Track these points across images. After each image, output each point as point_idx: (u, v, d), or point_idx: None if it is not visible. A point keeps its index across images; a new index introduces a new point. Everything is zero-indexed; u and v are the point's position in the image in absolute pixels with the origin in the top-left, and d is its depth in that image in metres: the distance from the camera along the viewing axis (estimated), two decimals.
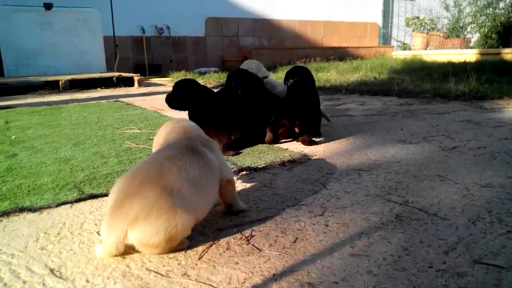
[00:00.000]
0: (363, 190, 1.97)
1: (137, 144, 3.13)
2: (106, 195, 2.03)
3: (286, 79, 3.33)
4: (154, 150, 1.74)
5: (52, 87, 8.32)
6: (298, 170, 2.36)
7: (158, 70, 12.99)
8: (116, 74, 9.16)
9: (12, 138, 3.65)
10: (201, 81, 9.14)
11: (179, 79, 3.07)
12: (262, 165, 2.47)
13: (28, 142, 3.41)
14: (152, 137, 3.35)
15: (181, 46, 14.00)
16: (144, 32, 12.95)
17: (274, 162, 2.52)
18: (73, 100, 6.50)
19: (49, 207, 1.90)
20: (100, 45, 11.15)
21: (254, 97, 3.11)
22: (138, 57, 13.30)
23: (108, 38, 12.14)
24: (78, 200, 1.97)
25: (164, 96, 6.69)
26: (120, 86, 8.97)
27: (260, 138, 3.09)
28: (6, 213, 1.82)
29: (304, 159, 2.57)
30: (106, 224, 1.32)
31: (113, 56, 12.14)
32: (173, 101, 3.13)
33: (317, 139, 3.02)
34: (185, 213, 1.35)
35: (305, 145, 2.93)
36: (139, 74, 9.17)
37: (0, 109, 5.51)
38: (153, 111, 5.02)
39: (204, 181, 1.47)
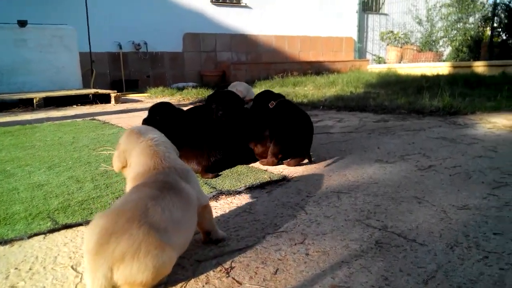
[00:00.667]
0: (343, 215, 1.97)
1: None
2: (80, 224, 1.98)
3: (264, 101, 3.27)
4: (115, 166, 1.73)
5: (26, 105, 8.15)
6: (278, 193, 2.35)
7: (135, 86, 12.89)
8: (92, 91, 9.05)
9: None
10: (179, 97, 9.12)
11: (155, 103, 3.03)
12: (242, 188, 2.45)
13: (0, 166, 3.30)
14: None
15: (159, 62, 13.95)
16: (121, 48, 12.86)
17: (253, 185, 2.51)
18: (48, 119, 6.37)
19: (21, 239, 1.83)
20: (76, 61, 11.02)
21: (235, 118, 3.10)
22: (115, 73, 13.17)
23: (85, 54, 11.99)
24: (51, 231, 1.91)
25: (141, 113, 6.63)
26: (96, 103, 8.85)
27: (240, 159, 3.07)
28: None
29: (283, 181, 2.56)
30: (91, 264, 1.25)
31: (89, 72, 11.99)
32: (150, 125, 3.10)
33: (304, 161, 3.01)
34: (171, 250, 1.34)
35: (291, 166, 2.93)
36: (115, 91, 9.08)
37: None
38: None
39: (186, 220, 1.47)
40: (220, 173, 2.82)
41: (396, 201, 2.14)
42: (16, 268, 1.57)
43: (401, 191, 2.29)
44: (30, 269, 1.56)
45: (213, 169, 2.81)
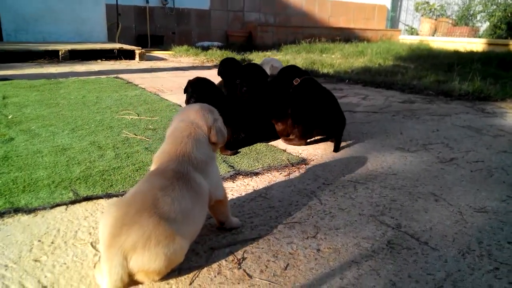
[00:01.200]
0: (358, 208, 1.97)
1: (135, 135, 3.11)
2: (100, 197, 2.03)
3: (289, 77, 3.20)
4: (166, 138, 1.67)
5: (52, 56, 8.21)
6: (295, 177, 2.36)
7: (160, 42, 12.81)
8: (118, 46, 9.04)
9: (9, 117, 3.62)
10: (203, 58, 9.05)
11: (195, 78, 2.99)
12: (259, 169, 2.47)
13: (25, 124, 3.39)
14: (150, 126, 3.34)
15: (185, 18, 13.77)
16: (147, 2, 12.70)
17: (271, 167, 2.52)
18: (72, 74, 6.43)
19: (44, 208, 1.90)
20: (102, 13, 10.98)
21: (258, 94, 3.07)
22: (141, 28, 13.09)
23: (111, 7, 11.92)
24: (73, 202, 1.97)
25: (164, 74, 6.63)
26: (121, 59, 8.86)
27: (261, 136, 3.08)
28: (1, 214, 1.82)
29: (301, 165, 2.57)
30: (107, 254, 1.30)
31: (115, 26, 11.95)
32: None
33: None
34: (182, 239, 1.38)
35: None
36: (140, 47, 9.06)
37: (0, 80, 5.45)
38: (153, 92, 4.98)
39: (195, 210, 1.48)
40: (239, 150, 2.83)
41: (413, 196, 2.13)
42: (39, 241, 1.64)
43: (419, 186, 2.28)
44: (52, 242, 1.63)
45: (233, 146, 2.82)
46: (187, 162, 1.55)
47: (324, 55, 10.34)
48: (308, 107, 2.94)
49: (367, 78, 6.17)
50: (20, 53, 8.07)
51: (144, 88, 5.27)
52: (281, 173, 2.43)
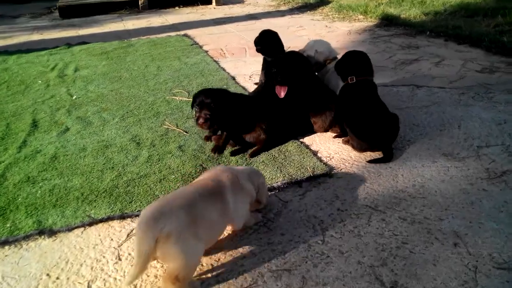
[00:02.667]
0: (359, 253, 1.86)
1: (176, 127, 3.18)
2: (115, 218, 2.16)
3: (345, 72, 2.83)
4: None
5: (132, 6, 8.45)
6: (311, 197, 2.27)
7: None
8: None
9: (73, 98, 3.90)
10: (279, 0, 8.64)
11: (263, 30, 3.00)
12: (278, 183, 2.41)
13: (84, 108, 3.64)
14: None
15: None
16: None
17: (292, 178, 2.44)
18: (146, 31, 6.61)
19: (64, 231, 2.09)
20: None
21: (297, 86, 2.88)
22: None
23: None
24: (90, 224, 2.13)
25: (233, 27, 6.50)
26: (197, 4, 8.83)
27: (296, 131, 2.97)
28: (26, 237, 2.05)
29: (324, 178, 2.45)
30: (141, 234, 1.50)
31: None
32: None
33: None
34: (202, 247, 1.63)
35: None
36: None
37: (77, 45, 5.81)
38: (214, 58, 4.96)
39: (218, 225, 1.75)
40: (268, 151, 2.77)
41: (430, 237, 1.94)
42: (47, 275, 1.82)
43: (445, 219, 2.06)
44: (57, 278, 1.80)
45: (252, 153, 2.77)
46: (225, 183, 1.81)
47: None
48: (354, 115, 2.71)
49: (452, 28, 5.45)
50: (103, 4, 8.41)
51: (207, 52, 5.27)
52: (298, 190, 2.35)
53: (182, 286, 1.58)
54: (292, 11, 7.74)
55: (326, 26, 6.27)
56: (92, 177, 2.56)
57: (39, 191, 2.43)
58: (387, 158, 2.60)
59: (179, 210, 1.56)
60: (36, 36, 6.57)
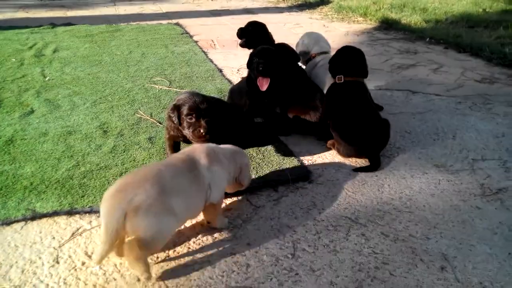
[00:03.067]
0: (333, 272, 1.62)
1: (150, 117, 2.93)
2: (59, 214, 1.91)
3: (335, 69, 2.58)
4: None
5: None
6: (286, 204, 2.03)
7: None
8: None
9: (46, 79, 3.64)
10: None
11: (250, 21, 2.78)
12: (254, 185, 2.16)
13: (55, 90, 3.38)
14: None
15: None
16: None
17: (268, 181, 2.20)
18: (137, 17, 6.35)
19: (1, 224, 1.83)
20: None
21: (280, 80, 2.64)
22: None
23: None
24: (32, 218, 1.87)
25: (227, 20, 6.25)
26: None
27: (278, 131, 2.72)
28: None
29: (302, 184, 2.21)
30: (108, 208, 1.43)
31: None
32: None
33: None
34: (174, 220, 1.54)
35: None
36: None
37: (62, 26, 5.53)
38: (203, 48, 4.71)
39: (193, 197, 1.64)
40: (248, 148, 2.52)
41: (414, 258, 1.70)
42: None
43: (433, 237, 1.82)
44: None
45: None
46: (201, 156, 1.73)
47: None
48: (341, 118, 2.47)
49: (453, 36, 5.24)
50: None
51: (196, 42, 5.02)
52: (273, 195, 2.10)
53: (143, 256, 1.48)
54: (290, 8, 7.50)
55: (324, 25, 6.04)
56: (46, 165, 2.30)
57: None
58: (374, 166, 2.36)
59: (145, 182, 1.49)
60: (21, 14, 6.29)
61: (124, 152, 2.46)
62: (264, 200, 2.06)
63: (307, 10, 7.29)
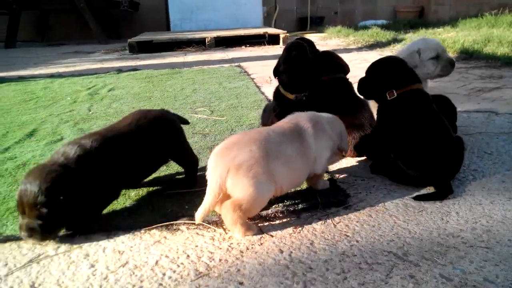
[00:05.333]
0: None
1: None
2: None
3: (384, 85, 2.00)
4: None
5: (199, 44, 8.37)
6: (305, 233, 1.51)
7: (320, 23, 12.13)
8: (263, 31, 8.73)
9: (90, 113, 3.54)
10: (352, 38, 8.16)
11: (292, 41, 2.34)
12: (268, 212, 1.68)
13: (93, 121, 3.24)
14: (207, 130, 2.79)
15: None
16: None
17: (287, 207, 1.70)
18: (203, 62, 6.33)
19: None
20: None
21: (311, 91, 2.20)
22: (302, 10, 12.64)
23: None
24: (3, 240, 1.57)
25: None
26: (264, 44, 8.54)
27: None
28: None
29: (335, 209, 1.68)
30: (214, 163, 1.47)
31: (273, 9, 11.76)
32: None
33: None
34: (272, 187, 1.51)
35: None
36: (285, 31, 8.56)
37: (126, 71, 5.64)
38: (257, 84, 4.43)
39: (297, 165, 1.60)
40: None
41: None
42: None
43: None
44: None
45: None
46: (307, 127, 1.68)
47: None
48: (400, 137, 1.91)
49: None
50: (172, 42, 8.46)
51: (253, 79, 4.76)
52: (292, 222, 1.60)
53: (241, 217, 1.47)
54: (360, 49, 7.08)
55: None
56: None
57: None
58: (442, 194, 1.75)
59: (252, 143, 1.50)
60: (97, 65, 6.59)
61: None
62: (279, 228, 1.57)
63: (377, 49, 6.82)
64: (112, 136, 1.69)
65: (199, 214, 1.46)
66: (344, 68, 2.44)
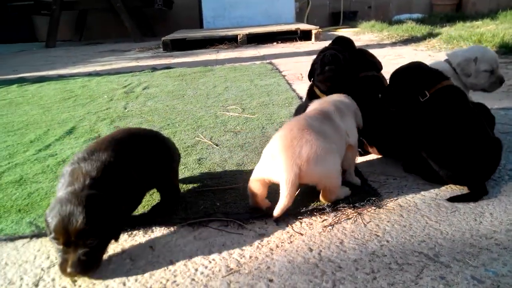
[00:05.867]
0: None
1: (209, 140, 2.67)
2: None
3: (414, 89, 1.96)
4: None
5: (231, 41, 8.43)
6: (335, 232, 1.52)
7: (353, 18, 11.98)
8: (294, 27, 8.70)
9: (126, 110, 3.65)
10: (386, 33, 8.02)
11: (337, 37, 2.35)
12: (303, 209, 1.69)
13: (129, 119, 3.34)
14: (238, 128, 2.83)
15: None
16: None
17: (316, 206, 1.72)
18: (235, 60, 6.39)
19: (6, 240, 1.64)
20: None
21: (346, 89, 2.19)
22: (335, 4, 12.51)
23: None
24: (38, 236, 1.65)
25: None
26: (296, 40, 8.50)
27: None
28: None
29: (366, 208, 1.68)
30: (283, 164, 1.53)
31: (305, 5, 11.69)
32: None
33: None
34: (338, 156, 1.68)
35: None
36: (318, 27, 8.50)
37: (160, 69, 5.75)
38: (289, 81, 4.43)
39: (336, 139, 1.73)
40: None
41: None
42: None
43: None
44: None
45: None
46: (330, 108, 1.84)
47: None
48: (434, 135, 1.87)
49: None
50: (205, 40, 8.56)
51: (284, 76, 4.77)
52: (321, 220, 1.61)
53: (334, 195, 1.69)
54: (394, 44, 6.94)
55: (429, 55, 5.38)
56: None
57: (16, 194, 2.05)
58: (476, 195, 1.71)
59: (303, 132, 1.60)
60: (132, 63, 6.75)
61: None
62: (307, 227, 1.58)
63: (412, 43, 6.67)
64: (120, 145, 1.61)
65: (278, 211, 1.55)
66: (377, 66, 2.42)
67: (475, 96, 2.50)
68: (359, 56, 2.42)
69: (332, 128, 1.74)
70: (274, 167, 1.56)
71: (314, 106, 1.93)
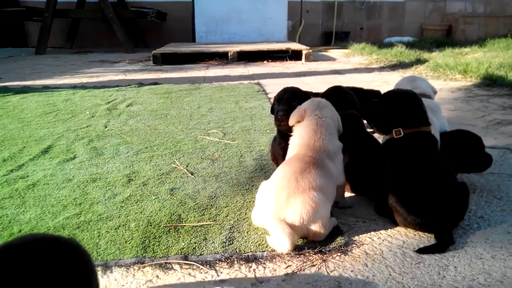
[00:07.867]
0: None
1: (184, 168, 2.65)
2: None
3: (393, 121, 1.98)
4: (291, 120, 2.02)
5: (222, 57, 8.45)
6: (297, 281, 1.49)
7: (345, 38, 12.09)
8: (285, 46, 8.74)
9: (106, 129, 3.61)
10: (375, 57, 8.06)
11: (329, 88, 2.46)
12: (260, 253, 1.67)
13: (108, 139, 3.30)
14: (216, 155, 2.80)
15: (376, 12, 12.72)
16: None
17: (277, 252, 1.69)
18: (223, 78, 6.38)
19: None
20: (284, 13, 10.86)
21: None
22: (328, 24, 12.64)
23: (295, 4, 11.78)
24: None
25: (315, 79, 5.98)
26: (286, 60, 8.54)
27: None
28: None
29: (335, 254, 1.65)
30: (279, 227, 1.62)
31: (298, 24, 11.79)
32: None
33: None
34: (329, 203, 1.77)
35: None
36: (308, 48, 8.56)
37: (147, 85, 5.73)
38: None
39: (329, 188, 1.77)
40: None
41: None
42: None
43: None
44: None
45: None
46: (322, 152, 1.83)
47: None
48: (401, 179, 1.87)
49: None
50: (195, 54, 8.56)
51: (270, 98, 4.77)
52: (284, 267, 1.58)
53: (325, 235, 1.73)
54: (382, 69, 7.00)
55: None
56: (48, 212, 2.08)
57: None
58: (442, 246, 1.69)
59: (298, 193, 1.68)
60: (119, 77, 6.72)
61: (136, 202, 2.16)
62: (270, 274, 1.55)
63: (399, 69, 6.73)
64: None
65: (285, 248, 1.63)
66: (356, 104, 2.42)
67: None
68: (338, 93, 2.41)
69: (326, 177, 1.77)
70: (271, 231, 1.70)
71: (304, 150, 1.86)
